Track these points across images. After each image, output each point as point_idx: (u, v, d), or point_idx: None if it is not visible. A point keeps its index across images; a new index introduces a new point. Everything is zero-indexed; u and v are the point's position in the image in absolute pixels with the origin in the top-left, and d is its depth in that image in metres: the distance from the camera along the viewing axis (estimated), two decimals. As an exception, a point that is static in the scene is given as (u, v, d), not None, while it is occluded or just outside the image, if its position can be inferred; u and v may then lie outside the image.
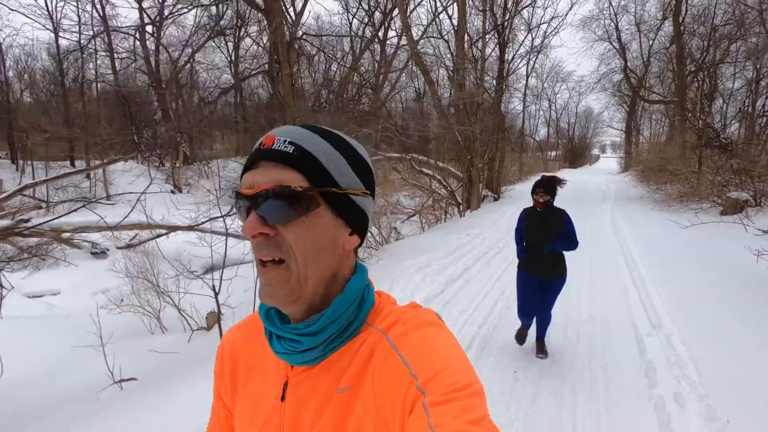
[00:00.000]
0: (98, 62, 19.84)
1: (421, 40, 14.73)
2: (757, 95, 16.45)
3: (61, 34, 17.76)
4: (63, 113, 17.89)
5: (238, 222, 0.50)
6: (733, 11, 15.22)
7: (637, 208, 11.23)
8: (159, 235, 10.77)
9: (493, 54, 14.64)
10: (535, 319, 3.19)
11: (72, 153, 18.00)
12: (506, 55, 14.61)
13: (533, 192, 2.99)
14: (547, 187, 2.94)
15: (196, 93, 22.59)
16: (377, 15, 18.77)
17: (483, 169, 13.04)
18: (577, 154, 41.06)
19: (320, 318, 0.51)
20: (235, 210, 0.48)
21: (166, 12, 19.29)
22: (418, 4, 16.06)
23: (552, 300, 3.09)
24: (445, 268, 5.15)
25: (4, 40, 17.59)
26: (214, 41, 20.58)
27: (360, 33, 19.22)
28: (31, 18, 27.59)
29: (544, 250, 2.97)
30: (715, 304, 3.97)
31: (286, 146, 0.49)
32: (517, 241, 3.18)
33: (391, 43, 18.90)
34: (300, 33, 12.50)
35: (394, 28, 19.24)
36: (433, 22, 14.21)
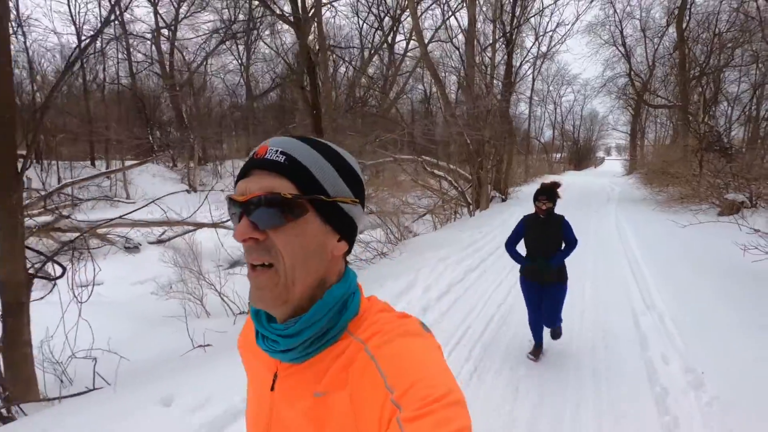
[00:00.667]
0: (114, 64, 20.58)
1: (431, 44, 15.33)
2: (762, 99, 16.86)
3: (81, 37, 18.50)
4: (85, 114, 18.58)
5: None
6: (735, 19, 15.67)
7: (639, 209, 11.75)
8: (186, 232, 11.46)
9: (501, 60, 15.19)
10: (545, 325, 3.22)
11: (92, 153, 18.76)
12: (514, 61, 15.17)
13: (535, 199, 3.06)
14: (549, 194, 3.02)
15: (206, 95, 23.30)
16: (386, 20, 19.41)
17: (491, 170, 13.61)
18: (582, 156, 41.45)
19: (297, 321, 0.52)
20: (228, 215, 0.56)
21: (180, 16, 20.00)
22: (427, 8, 16.64)
23: (558, 305, 3.12)
24: (462, 260, 5.73)
25: (31, 44, 18.34)
26: (226, 44, 21.27)
27: (371, 38, 19.84)
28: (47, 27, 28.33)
29: (551, 266, 3.02)
30: (703, 290, 4.52)
31: (278, 156, 0.51)
32: (508, 249, 3.18)
33: (400, 48, 19.54)
34: (327, 43, 13.11)
35: (402, 32, 19.87)
36: (444, 28, 14.82)
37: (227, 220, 6.73)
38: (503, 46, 14.19)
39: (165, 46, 20.91)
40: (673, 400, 2.55)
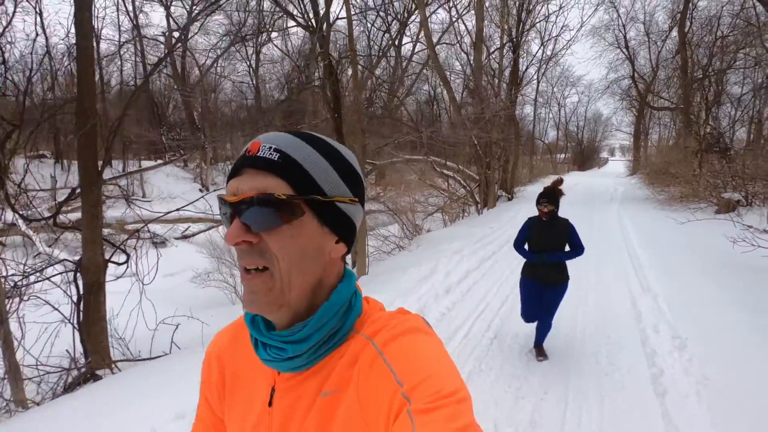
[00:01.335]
0: (128, 66, 21.26)
1: (437, 47, 15.87)
2: (766, 102, 17.26)
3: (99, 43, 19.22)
4: (102, 115, 19.23)
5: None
6: (735, 24, 16.09)
7: (641, 207, 12.26)
8: (210, 227, 12.10)
9: (507, 65, 15.72)
10: (536, 325, 3.30)
11: (110, 153, 19.43)
12: (520, 66, 15.71)
13: (537, 203, 3.10)
14: (550, 197, 3.06)
15: (216, 96, 23.94)
16: (394, 24, 19.98)
17: (498, 171, 14.15)
18: (586, 157, 41.83)
19: (306, 325, 0.50)
20: (220, 216, 0.54)
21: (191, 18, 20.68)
22: (434, 11, 17.19)
23: (553, 307, 3.17)
24: (476, 252, 6.28)
25: (55, 47, 19.00)
26: (235, 47, 21.90)
27: (378, 40, 20.42)
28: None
29: (546, 259, 3.08)
30: (694, 276, 5.06)
31: (270, 153, 0.49)
32: (517, 248, 3.28)
33: (405, 50, 20.11)
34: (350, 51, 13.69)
35: (408, 34, 20.43)
36: (452, 32, 15.37)
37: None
38: (510, 51, 14.73)
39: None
40: (661, 358, 3.10)
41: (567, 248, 3.17)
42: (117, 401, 2.80)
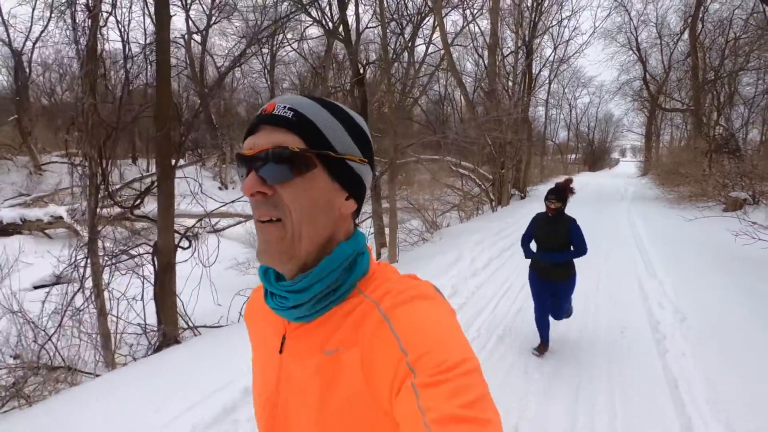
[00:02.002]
0: (151, 68, 22.07)
1: (451, 48, 16.39)
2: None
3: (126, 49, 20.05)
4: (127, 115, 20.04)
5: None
6: (747, 26, 16.35)
7: (650, 205, 12.70)
8: (238, 222, 12.80)
9: (520, 70, 16.20)
10: (550, 319, 3.34)
11: (134, 152, 20.34)
12: (533, 69, 16.17)
13: (546, 198, 3.16)
14: (559, 194, 3.10)
15: (232, 96, 24.71)
16: (407, 27, 20.54)
17: (511, 170, 14.66)
18: (597, 157, 41.91)
19: (306, 276, 0.52)
20: (238, 175, 0.54)
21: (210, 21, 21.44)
22: (447, 13, 17.69)
23: (564, 302, 3.22)
24: (495, 243, 6.84)
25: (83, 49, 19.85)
26: (252, 49, 22.63)
27: (393, 43, 21.00)
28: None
29: (547, 260, 3.13)
30: (697, 265, 5.56)
31: (285, 112, 0.51)
32: (522, 244, 3.39)
33: (419, 52, 20.66)
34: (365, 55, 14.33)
35: (421, 35, 20.97)
36: (467, 34, 15.88)
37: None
38: (523, 56, 15.20)
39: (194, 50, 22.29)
40: (663, 327, 3.64)
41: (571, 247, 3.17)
42: (202, 354, 3.42)
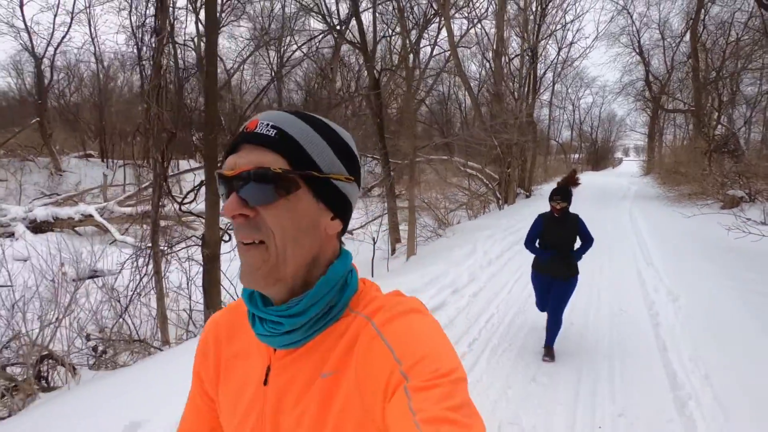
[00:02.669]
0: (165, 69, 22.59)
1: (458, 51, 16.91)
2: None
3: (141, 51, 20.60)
4: (139, 115, 20.69)
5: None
6: (747, 28, 16.76)
7: (652, 203, 13.21)
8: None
9: (526, 74, 16.71)
10: (545, 323, 3.33)
11: (148, 153, 20.93)
12: (538, 71, 16.68)
13: (550, 199, 3.15)
14: (563, 194, 3.12)
15: (240, 97, 25.32)
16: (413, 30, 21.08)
17: (517, 169, 15.19)
18: (600, 157, 42.24)
19: (302, 299, 0.51)
20: (219, 194, 0.52)
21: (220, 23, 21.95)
22: (453, 15, 18.20)
23: (563, 302, 3.22)
24: (505, 237, 7.38)
25: (103, 53, 20.53)
26: (259, 52, 23.20)
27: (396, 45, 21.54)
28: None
29: (568, 257, 3.14)
30: (691, 254, 6.11)
31: (268, 130, 0.50)
32: (527, 245, 3.38)
33: (424, 53, 21.19)
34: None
35: (426, 37, 21.48)
36: (474, 37, 16.39)
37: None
38: (528, 60, 15.73)
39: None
40: (657, 306, 4.18)
41: (578, 242, 3.27)
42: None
